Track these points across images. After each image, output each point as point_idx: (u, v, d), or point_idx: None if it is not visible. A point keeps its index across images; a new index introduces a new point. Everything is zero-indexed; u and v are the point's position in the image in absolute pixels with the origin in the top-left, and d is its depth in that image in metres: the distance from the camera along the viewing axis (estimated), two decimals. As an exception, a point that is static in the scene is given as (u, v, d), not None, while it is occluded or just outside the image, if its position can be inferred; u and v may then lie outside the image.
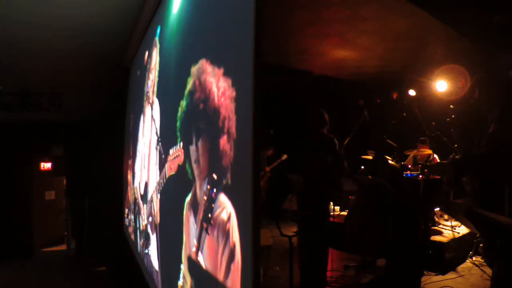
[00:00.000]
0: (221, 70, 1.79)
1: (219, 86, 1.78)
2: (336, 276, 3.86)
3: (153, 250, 3.39)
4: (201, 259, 1.94)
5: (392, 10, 4.02)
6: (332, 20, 4.30)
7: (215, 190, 1.78)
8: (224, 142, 1.69)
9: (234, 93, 1.62)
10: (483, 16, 3.69)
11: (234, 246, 1.56)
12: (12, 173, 9.37)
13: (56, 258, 9.25)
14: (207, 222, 1.84)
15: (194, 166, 2.09)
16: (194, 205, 2.07)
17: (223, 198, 1.69)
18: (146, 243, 3.71)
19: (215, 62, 1.89)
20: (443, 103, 5.18)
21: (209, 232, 1.82)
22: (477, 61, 4.22)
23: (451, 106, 4.53)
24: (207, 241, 1.86)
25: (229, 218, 1.62)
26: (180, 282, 2.36)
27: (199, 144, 2.03)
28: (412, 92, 5.92)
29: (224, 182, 1.67)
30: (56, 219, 10.33)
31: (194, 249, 2.05)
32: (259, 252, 1.47)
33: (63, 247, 10.19)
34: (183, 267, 2.29)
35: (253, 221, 1.47)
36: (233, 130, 1.61)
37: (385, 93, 6.38)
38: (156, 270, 3.24)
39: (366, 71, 6.24)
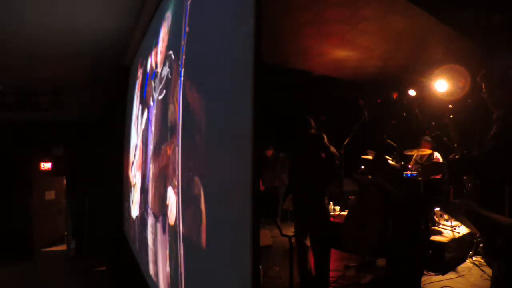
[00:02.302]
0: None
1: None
2: (336, 276, 3.86)
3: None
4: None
5: (392, 10, 4.02)
6: (332, 20, 4.30)
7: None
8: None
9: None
10: (483, 16, 3.69)
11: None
12: (12, 173, 9.36)
13: (56, 258, 9.25)
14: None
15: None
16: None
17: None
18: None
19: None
20: (443, 103, 5.17)
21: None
22: (477, 61, 4.21)
23: (449, 105, 4.53)
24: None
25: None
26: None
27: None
28: (412, 92, 5.92)
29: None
30: (56, 219, 10.32)
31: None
32: (259, 252, 1.50)
33: (63, 247, 10.18)
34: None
35: (253, 221, 1.48)
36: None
37: (385, 93, 6.38)
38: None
39: (366, 71, 6.24)
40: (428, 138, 5.17)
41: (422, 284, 3.36)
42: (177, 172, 2.50)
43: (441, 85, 5.12)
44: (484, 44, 4.33)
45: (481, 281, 3.53)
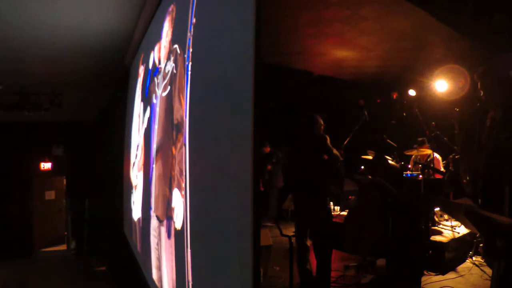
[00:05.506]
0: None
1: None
2: (336, 276, 3.86)
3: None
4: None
5: (392, 10, 4.02)
6: (332, 20, 4.30)
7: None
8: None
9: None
10: (483, 16, 3.69)
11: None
12: (12, 173, 9.37)
13: (56, 258, 9.25)
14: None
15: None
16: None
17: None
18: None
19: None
20: (443, 103, 5.17)
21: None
22: (477, 61, 4.21)
23: (456, 109, 4.49)
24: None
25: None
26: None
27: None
28: (412, 92, 5.92)
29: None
30: (56, 219, 10.33)
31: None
32: (259, 252, 1.50)
33: (63, 247, 10.19)
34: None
35: (253, 221, 1.48)
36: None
37: (385, 93, 6.38)
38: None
39: (366, 71, 6.24)
40: (424, 140, 5.16)
41: (422, 284, 3.35)
42: (184, 174, 2.42)
43: (441, 85, 5.12)
44: (484, 44, 4.33)
45: (481, 281, 3.52)
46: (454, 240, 4.08)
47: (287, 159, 5.24)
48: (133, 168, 5.00)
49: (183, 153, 2.45)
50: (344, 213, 5.27)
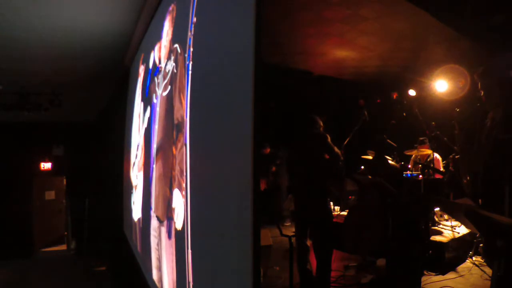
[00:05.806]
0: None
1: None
2: (336, 276, 3.86)
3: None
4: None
5: (392, 10, 4.02)
6: (332, 20, 4.31)
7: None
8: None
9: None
10: (483, 17, 3.69)
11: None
12: (12, 173, 9.37)
13: (56, 258, 9.25)
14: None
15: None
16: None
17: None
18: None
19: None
20: (443, 103, 5.17)
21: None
22: (477, 61, 4.22)
23: (456, 109, 4.49)
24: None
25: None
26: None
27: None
28: (412, 92, 5.92)
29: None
30: (56, 219, 10.33)
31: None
32: (259, 252, 1.50)
33: (63, 247, 10.18)
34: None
35: (253, 221, 1.48)
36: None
37: (385, 93, 6.38)
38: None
39: (366, 71, 6.24)
40: (424, 139, 5.16)
41: (422, 284, 3.35)
42: (185, 174, 2.41)
43: (441, 85, 5.12)
44: (484, 44, 4.33)
45: (481, 281, 3.52)
46: (454, 240, 4.08)
47: (288, 159, 5.25)
48: (133, 168, 5.00)
49: (184, 153, 2.44)
50: (344, 213, 5.27)
